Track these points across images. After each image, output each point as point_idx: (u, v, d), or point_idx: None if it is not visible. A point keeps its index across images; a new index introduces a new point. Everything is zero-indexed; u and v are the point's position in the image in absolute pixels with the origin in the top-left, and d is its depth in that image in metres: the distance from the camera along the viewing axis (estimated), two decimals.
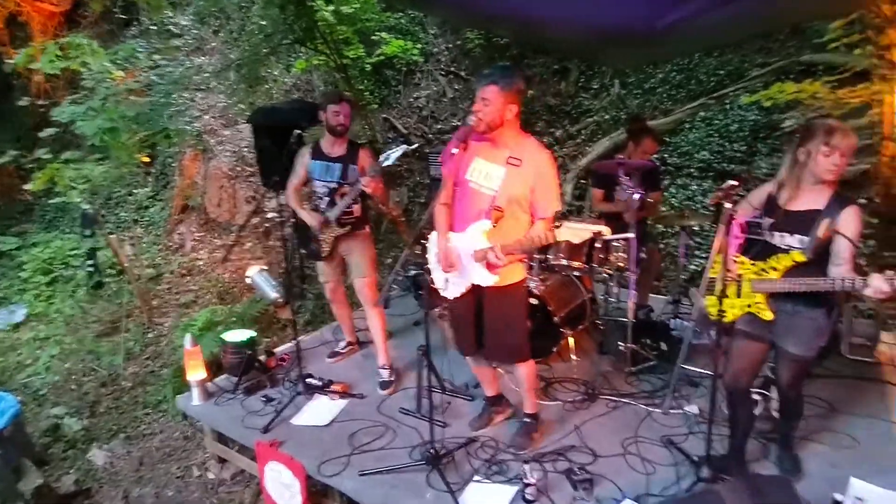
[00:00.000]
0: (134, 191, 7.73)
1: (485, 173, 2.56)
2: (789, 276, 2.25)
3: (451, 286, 2.72)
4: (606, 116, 6.92)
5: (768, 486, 1.90)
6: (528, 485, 2.46)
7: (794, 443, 2.68)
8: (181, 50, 8.04)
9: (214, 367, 3.91)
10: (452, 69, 8.02)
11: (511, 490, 2.55)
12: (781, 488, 1.94)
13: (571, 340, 3.66)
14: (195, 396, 3.47)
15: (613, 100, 7.08)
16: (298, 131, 3.27)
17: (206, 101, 7.73)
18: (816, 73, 5.69)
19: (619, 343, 3.58)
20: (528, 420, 2.92)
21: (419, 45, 7.84)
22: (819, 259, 2.21)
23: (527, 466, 2.51)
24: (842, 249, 2.17)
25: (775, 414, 2.91)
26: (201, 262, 6.66)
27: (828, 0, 2.92)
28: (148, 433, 4.31)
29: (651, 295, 4.30)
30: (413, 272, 4.90)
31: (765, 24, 4.15)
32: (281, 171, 3.49)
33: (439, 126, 7.49)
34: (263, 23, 6.30)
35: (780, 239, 2.31)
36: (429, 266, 2.86)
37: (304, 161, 3.45)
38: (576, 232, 2.29)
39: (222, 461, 3.54)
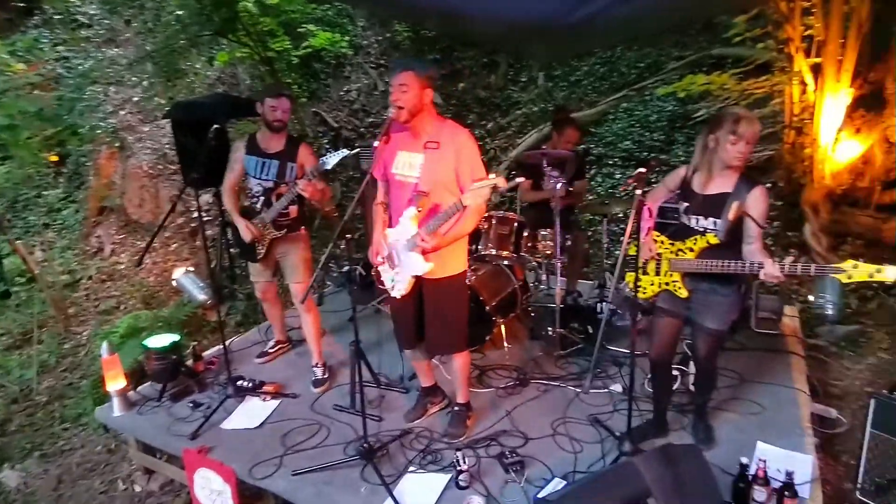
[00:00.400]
0: (43, 192, 7.19)
1: (408, 164, 2.58)
2: (704, 257, 2.40)
3: (397, 284, 2.69)
4: (535, 108, 7.08)
5: (680, 455, 2.02)
6: (460, 471, 2.51)
7: (707, 413, 2.86)
8: (91, 41, 7.54)
9: (139, 375, 3.73)
10: (383, 62, 7.96)
11: (445, 478, 2.59)
12: (692, 456, 2.07)
13: (503, 328, 3.74)
14: (116, 407, 3.30)
15: (541, 92, 7.26)
16: (216, 126, 3.11)
17: (121, 95, 7.29)
18: (726, 65, 6.06)
19: (549, 328, 3.70)
20: (460, 409, 2.96)
21: (348, 38, 7.72)
22: (732, 240, 2.36)
23: (459, 453, 2.55)
24: (751, 229, 2.33)
25: (692, 388, 3.11)
26: (122, 266, 6.31)
27: None
28: (67, 449, 4.06)
29: (580, 280, 4.45)
30: (347, 268, 4.86)
31: (674, 19, 4.36)
32: (200, 169, 3.32)
33: (371, 119, 7.42)
34: (180, 13, 6.00)
35: (696, 222, 2.45)
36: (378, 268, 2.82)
37: (238, 156, 3.27)
38: (476, 192, 2.28)
39: (149, 472, 3.39)
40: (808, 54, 4.41)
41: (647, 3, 2.95)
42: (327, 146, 7.07)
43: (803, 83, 4.49)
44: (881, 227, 4.43)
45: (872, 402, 2.52)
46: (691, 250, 2.43)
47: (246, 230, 3.22)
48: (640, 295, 2.60)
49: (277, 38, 6.84)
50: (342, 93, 7.73)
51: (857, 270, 2.03)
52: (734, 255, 2.34)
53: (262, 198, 3.23)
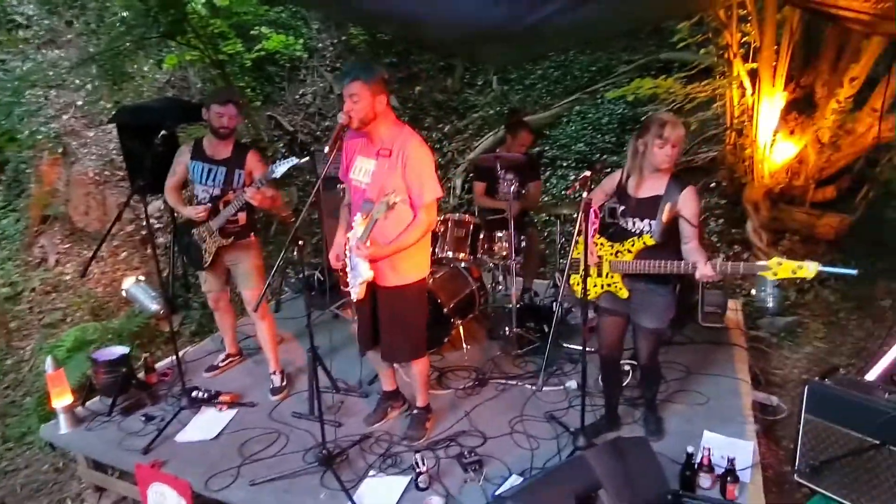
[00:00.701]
0: None
1: (363, 170, 2.58)
2: (642, 258, 2.49)
3: (353, 288, 2.68)
4: (491, 111, 7.19)
5: (628, 448, 2.11)
6: (420, 473, 2.53)
7: (656, 406, 2.96)
8: (29, 42, 7.21)
9: (87, 390, 3.60)
10: (338, 65, 7.92)
11: (405, 480, 2.61)
12: (640, 448, 2.16)
13: (462, 329, 3.78)
14: (62, 424, 3.17)
15: (497, 95, 7.37)
16: (164, 132, 3.04)
17: (64, 99, 7.00)
18: (673, 69, 6.31)
19: (506, 328, 3.77)
20: (419, 412, 2.99)
21: (302, 41, 7.65)
22: (668, 240, 2.45)
23: (418, 455, 2.58)
24: (686, 229, 2.42)
25: None
26: (68, 277, 6.06)
27: (671, 3, 3.24)
28: (10, 469, 3.88)
29: (536, 280, 4.55)
30: (304, 273, 4.81)
31: (620, 26, 4.51)
32: (148, 175, 3.24)
33: (327, 123, 7.38)
34: (125, 14, 5.82)
35: (632, 224, 2.54)
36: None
37: (182, 160, 3.18)
38: (378, 208, 2.32)
39: (100, 490, 3.27)
40: (745, 60, 4.65)
41: (593, 11, 3.05)
42: (283, 150, 6.99)
43: (742, 87, 4.72)
44: (815, 223, 4.70)
45: (806, 388, 2.66)
46: (629, 252, 2.52)
47: (194, 211, 3.11)
48: (580, 296, 2.69)
49: (229, 41, 6.73)
50: (297, 96, 7.65)
51: (781, 267, 2.16)
52: (671, 254, 2.44)
53: (208, 205, 3.16)
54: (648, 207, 2.46)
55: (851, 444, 2.47)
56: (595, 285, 2.65)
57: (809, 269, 2.13)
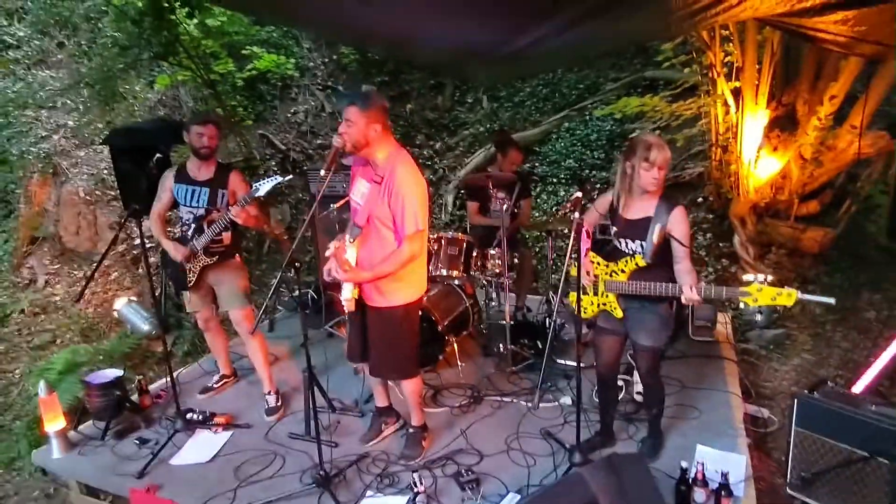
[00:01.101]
0: None
1: (361, 192, 2.64)
2: (635, 278, 2.52)
3: (344, 301, 2.73)
4: (481, 129, 7.28)
5: (623, 464, 2.13)
6: (417, 493, 2.54)
7: (658, 426, 2.93)
8: (20, 63, 7.21)
9: (79, 413, 3.57)
10: (329, 83, 7.99)
11: (402, 500, 2.62)
12: (635, 464, 2.19)
13: (456, 346, 3.81)
14: (55, 449, 3.14)
15: (487, 113, 7.47)
16: (158, 155, 3.08)
17: (54, 119, 6.99)
18: (658, 87, 6.43)
19: (500, 345, 3.80)
20: (415, 430, 3.00)
21: (294, 60, 7.72)
22: (660, 261, 2.48)
23: (416, 475, 2.59)
24: (677, 250, 2.47)
25: (637, 397, 3.27)
26: (58, 298, 6.00)
27: (653, 27, 3.33)
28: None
29: (529, 295, 4.59)
30: (298, 292, 4.83)
31: (604, 48, 4.63)
32: (141, 198, 3.26)
33: (319, 141, 7.42)
34: (117, 35, 5.85)
35: (625, 245, 2.58)
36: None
37: (167, 185, 3.23)
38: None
39: None
40: (728, 78, 4.77)
41: (578, 35, 3.14)
42: (275, 168, 7.02)
43: (726, 105, 4.84)
44: (800, 236, 4.79)
45: (795, 402, 2.72)
46: (623, 272, 2.56)
47: (175, 250, 3.18)
48: (582, 315, 2.73)
49: (221, 61, 6.78)
50: (289, 115, 7.69)
51: (762, 293, 2.22)
52: (663, 274, 2.47)
53: (193, 225, 3.19)
54: (639, 228, 2.50)
55: (841, 456, 2.53)
56: (591, 304, 2.69)
57: (788, 298, 2.18)
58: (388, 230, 2.55)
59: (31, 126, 6.87)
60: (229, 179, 3.21)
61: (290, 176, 3.35)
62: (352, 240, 2.54)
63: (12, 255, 6.49)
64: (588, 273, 2.66)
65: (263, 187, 2.89)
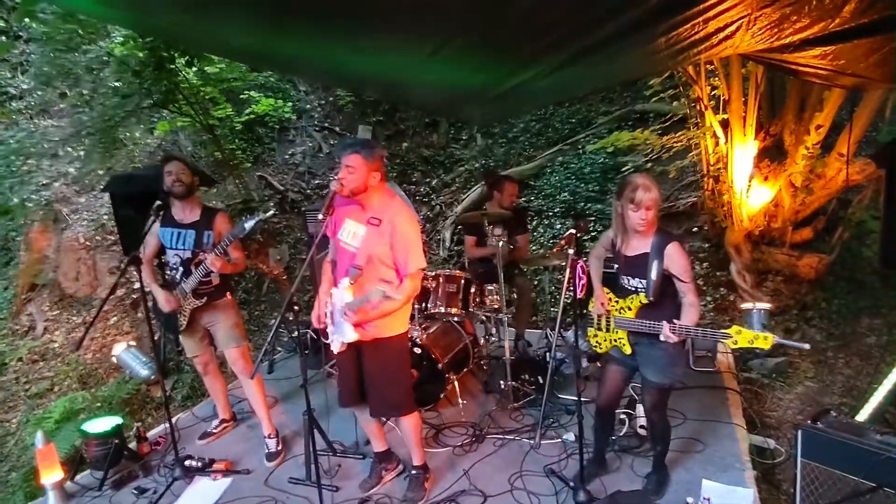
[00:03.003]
0: None
1: (352, 233, 2.68)
2: (642, 314, 2.53)
3: (333, 341, 2.74)
4: (476, 165, 7.40)
5: (627, 501, 2.10)
6: None
7: (663, 464, 2.86)
8: (23, 113, 7.37)
9: (77, 463, 3.52)
10: (326, 125, 8.16)
11: None
12: (640, 502, 2.15)
13: (457, 384, 3.78)
14: (51, 501, 3.08)
15: (481, 149, 7.60)
16: (158, 202, 3.13)
17: (55, 167, 7.11)
18: (649, 119, 6.57)
19: (501, 381, 3.77)
20: (417, 472, 2.96)
21: (291, 103, 7.90)
22: (664, 296, 2.48)
23: None
24: (678, 286, 2.48)
25: (641, 431, 3.23)
26: (56, 345, 5.99)
27: (640, 65, 3.44)
28: None
29: (528, 329, 4.58)
30: (297, 332, 4.81)
31: (592, 86, 4.74)
32: (141, 244, 3.29)
33: (317, 181, 7.53)
34: (118, 85, 6.00)
35: (627, 281, 2.60)
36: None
37: (154, 230, 3.24)
38: (403, 291, 2.45)
39: None
40: (716, 111, 4.89)
41: (568, 76, 3.23)
42: (274, 209, 7.09)
43: (715, 136, 4.94)
44: (796, 263, 4.82)
45: (800, 433, 2.70)
46: (629, 309, 2.58)
47: (164, 301, 3.19)
48: (595, 349, 2.74)
49: (219, 106, 6.93)
50: (287, 156, 7.83)
51: (741, 336, 2.26)
52: (669, 310, 2.46)
53: (180, 268, 3.20)
54: (638, 265, 2.51)
55: (849, 488, 2.49)
56: (605, 340, 2.69)
57: (766, 342, 2.23)
58: (389, 269, 2.60)
59: (33, 174, 6.98)
60: (215, 221, 3.22)
61: (272, 212, 3.36)
62: (351, 280, 2.56)
63: (11, 303, 6.50)
64: (603, 304, 2.67)
65: (248, 224, 2.91)
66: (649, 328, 2.44)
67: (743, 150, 4.69)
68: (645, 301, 2.50)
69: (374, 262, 2.58)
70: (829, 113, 4.44)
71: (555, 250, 3.01)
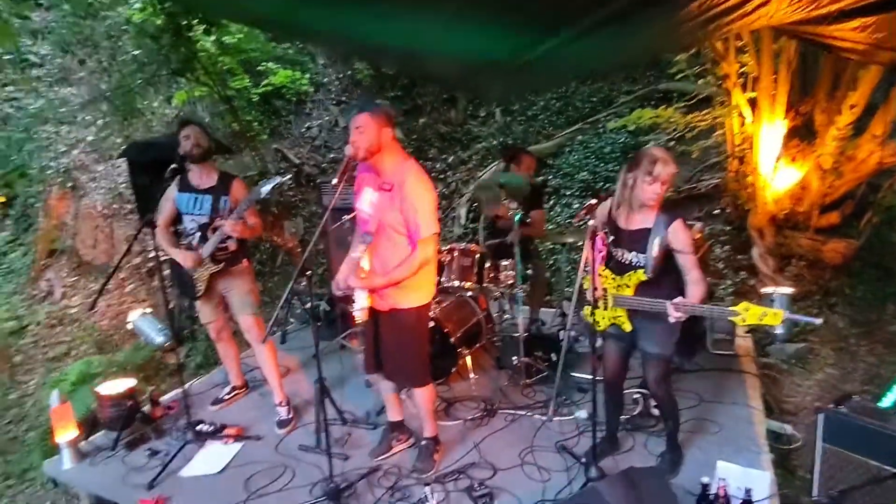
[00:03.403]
0: None
1: (368, 201, 2.64)
2: (641, 291, 2.47)
3: (356, 311, 2.74)
4: (494, 142, 7.29)
5: (641, 477, 2.06)
6: None
7: (676, 441, 2.81)
8: (42, 80, 7.39)
9: (91, 425, 3.57)
10: (343, 99, 8.08)
11: None
12: (653, 478, 2.11)
13: (469, 359, 3.75)
14: (66, 459, 3.13)
15: (500, 126, 7.48)
16: (174, 166, 3.10)
17: (74, 135, 7.13)
18: (672, 99, 6.40)
19: (514, 357, 3.74)
20: (427, 443, 2.95)
21: (308, 76, 7.83)
22: (664, 273, 2.41)
23: (427, 489, 2.53)
24: (683, 262, 2.40)
25: (654, 411, 3.18)
26: (74, 310, 6.07)
27: (668, 38, 3.31)
28: None
29: (542, 308, 4.52)
30: (310, 303, 4.81)
31: (617, 60, 4.59)
32: (155, 209, 3.29)
33: (333, 155, 7.48)
34: (137, 52, 5.97)
35: (623, 255, 2.52)
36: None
37: (170, 195, 3.25)
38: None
39: None
40: (744, 89, 4.72)
41: (591, 46, 3.12)
42: (290, 182, 7.08)
43: (742, 116, 4.78)
44: (821, 248, 4.69)
45: (821, 417, 2.63)
46: (628, 286, 2.51)
47: (183, 258, 3.17)
48: (595, 328, 2.68)
49: (237, 77, 6.89)
50: (303, 129, 7.78)
51: (749, 313, 2.16)
52: (669, 286, 2.39)
53: (197, 233, 3.19)
54: (636, 240, 2.44)
55: (870, 473, 2.42)
56: (603, 318, 2.63)
57: (775, 318, 2.13)
58: (401, 236, 2.55)
59: (52, 141, 7.01)
60: (232, 187, 3.22)
61: (290, 176, 3.37)
62: (364, 248, 2.53)
63: (31, 268, 6.59)
64: (596, 288, 2.60)
65: (265, 188, 2.90)
66: (650, 306, 2.38)
67: (771, 129, 4.53)
68: (644, 278, 2.43)
69: (386, 228, 2.54)
70: (863, 92, 4.26)
71: (575, 219, 2.93)
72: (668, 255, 2.40)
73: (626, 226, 2.49)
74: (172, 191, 3.25)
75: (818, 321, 2.31)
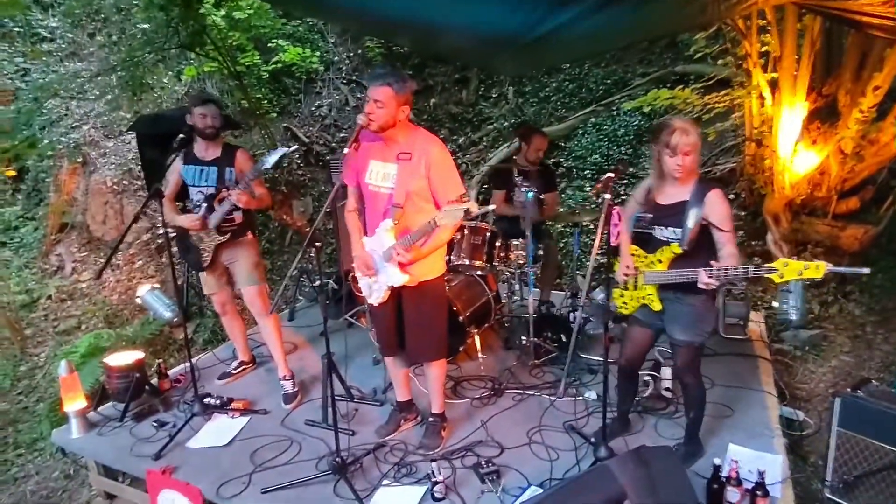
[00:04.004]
0: (0, 210, 6.94)
1: (381, 174, 2.56)
2: (674, 267, 2.39)
3: (374, 292, 2.68)
4: (506, 123, 7.18)
5: (653, 456, 2.02)
6: (436, 483, 2.47)
7: (696, 431, 2.69)
8: (53, 55, 7.36)
9: (100, 397, 3.58)
10: (354, 77, 7.98)
11: (420, 490, 2.54)
12: (665, 458, 2.07)
13: (477, 338, 3.72)
14: (74, 429, 3.14)
15: (511, 108, 7.36)
16: (181, 136, 3.07)
17: (84, 110, 7.11)
18: (688, 81, 6.24)
19: (523, 338, 3.70)
20: (434, 419, 2.92)
21: (319, 54, 7.72)
22: (700, 247, 2.34)
23: (434, 465, 2.51)
24: (717, 235, 2.33)
25: (666, 394, 3.14)
26: (84, 285, 6.09)
27: (688, 13, 3.21)
28: (21, 476, 3.86)
29: (552, 291, 4.47)
30: (318, 281, 4.79)
31: (635, 35, 4.48)
32: (165, 179, 3.27)
33: (342, 135, 7.41)
34: (146, 26, 5.91)
35: (660, 232, 2.46)
36: (354, 274, 2.81)
37: (176, 167, 3.26)
38: (450, 213, 2.25)
39: (110, 497, 3.22)
40: (765, 69, 4.59)
41: (608, 19, 3.03)
42: (299, 161, 7.03)
43: (761, 97, 4.66)
44: (838, 234, 4.59)
45: (838, 401, 2.57)
46: (660, 261, 2.44)
47: (188, 221, 3.18)
48: (621, 310, 2.63)
49: (247, 53, 6.81)
50: (313, 108, 7.70)
51: (788, 269, 2.08)
52: (703, 262, 2.30)
53: (204, 205, 3.19)
54: (673, 214, 2.38)
55: (887, 459, 2.38)
56: (632, 299, 2.57)
57: (817, 270, 2.04)
58: (428, 203, 2.51)
59: (61, 116, 7.00)
60: (236, 158, 3.22)
61: (295, 147, 3.35)
62: (395, 221, 2.47)
63: (41, 243, 6.62)
64: (628, 267, 2.53)
65: (271, 159, 2.86)
66: (682, 277, 2.31)
67: (791, 111, 4.41)
68: (678, 251, 2.35)
69: (413, 198, 2.49)
70: (889, 73, 4.11)
71: (591, 192, 2.87)
72: (703, 229, 2.33)
73: (660, 200, 2.44)
74: (178, 163, 3.25)
75: (865, 270, 2.20)
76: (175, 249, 3.46)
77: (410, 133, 2.53)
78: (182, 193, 3.35)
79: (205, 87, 7.21)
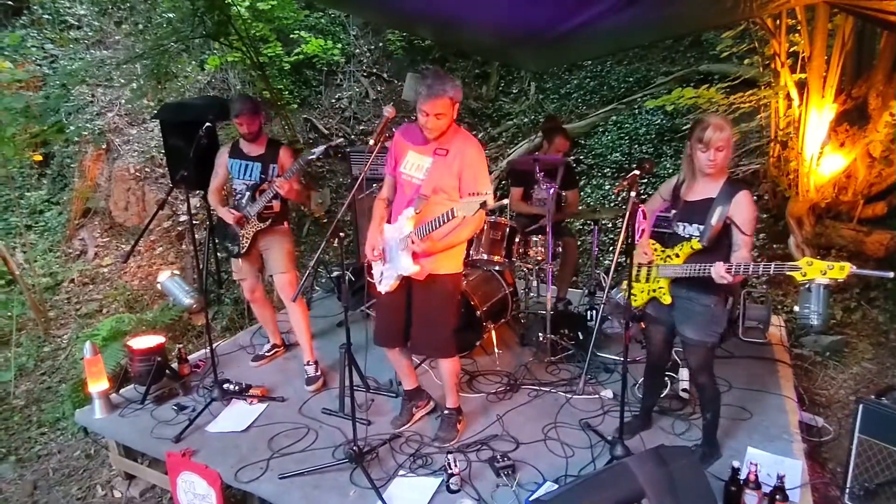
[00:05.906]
0: (26, 194, 7.08)
1: (416, 165, 2.59)
2: (690, 263, 2.38)
3: (384, 279, 2.70)
4: (525, 120, 7.15)
5: (672, 456, 2.01)
6: (451, 475, 2.48)
7: (713, 432, 2.66)
8: (80, 42, 7.46)
9: (121, 379, 3.65)
10: (375, 70, 8.00)
11: (436, 481, 2.56)
12: (684, 457, 2.06)
13: (494, 334, 3.72)
14: (97, 409, 3.21)
15: (532, 104, 7.33)
16: (207, 124, 3.12)
17: (109, 97, 7.22)
18: (713, 81, 6.16)
19: (539, 334, 3.69)
20: (450, 413, 2.93)
21: (340, 46, 7.75)
22: (717, 246, 2.33)
23: (450, 457, 2.53)
24: (736, 236, 2.31)
25: (683, 394, 3.13)
26: (106, 270, 6.20)
27: (717, 10, 3.16)
28: (44, 454, 3.95)
29: (569, 289, 4.45)
30: (336, 273, 4.82)
31: (660, 33, 4.43)
32: (190, 168, 3.30)
33: (362, 127, 7.44)
34: (172, 15, 5.97)
35: (683, 229, 2.45)
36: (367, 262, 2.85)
37: (222, 161, 3.43)
38: (467, 205, 2.22)
39: (130, 477, 3.30)
40: (793, 70, 4.51)
41: (634, 17, 3.00)
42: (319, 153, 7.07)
43: (788, 98, 4.58)
44: (863, 239, 4.50)
45: (861, 407, 2.54)
46: (677, 256, 2.43)
47: (229, 214, 3.36)
48: (632, 302, 2.62)
49: (269, 44, 6.85)
50: (334, 100, 7.73)
51: (812, 268, 2.04)
52: (720, 261, 2.27)
53: (247, 194, 3.36)
54: (699, 211, 2.36)
55: None
56: (642, 291, 2.57)
57: (840, 271, 2.00)
58: (451, 200, 2.50)
59: (87, 103, 7.11)
60: (279, 154, 3.38)
61: (342, 139, 3.46)
62: (417, 210, 2.49)
63: (66, 227, 6.74)
64: (646, 253, 2.53)
65: (317, 151, 3.03)
66: (698, 272, 2.30)
67: (819, 113, 4.33)
68: (698, 247, 2.35)
69: (440, 193, 2.50)
70: None
71: (616, 190, 2.86)
72: (725, 230, 2.32)
73: (688, 197, 2.43)
74: (224, 156, 3.42)
75: (890, 274, 2.13)
76: (197, 238, 3.54)
77: (452, 131, 2.55)
78: (227, 179, 3.52)
79: (227, 79, 7.27)
